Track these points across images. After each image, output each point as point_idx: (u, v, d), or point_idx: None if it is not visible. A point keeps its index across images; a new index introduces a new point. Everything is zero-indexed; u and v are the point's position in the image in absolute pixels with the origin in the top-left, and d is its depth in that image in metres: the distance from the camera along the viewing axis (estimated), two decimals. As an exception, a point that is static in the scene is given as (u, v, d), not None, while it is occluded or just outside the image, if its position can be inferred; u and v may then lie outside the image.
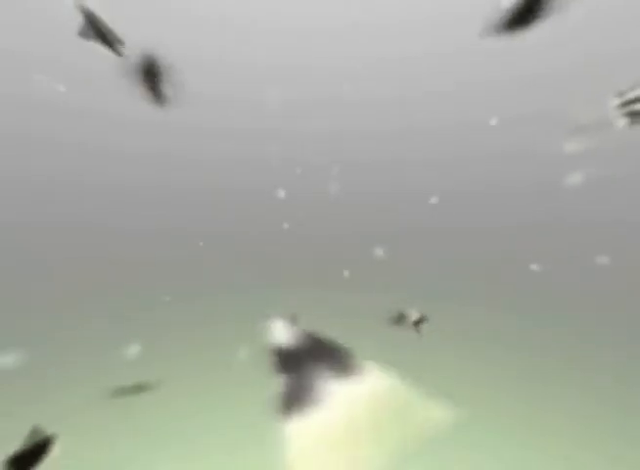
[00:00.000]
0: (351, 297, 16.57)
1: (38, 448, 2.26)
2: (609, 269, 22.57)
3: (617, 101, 2.99)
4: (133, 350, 10.24)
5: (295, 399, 1.77)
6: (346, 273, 21.58)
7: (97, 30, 2.72)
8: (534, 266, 23.04)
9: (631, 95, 2.92)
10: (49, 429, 2.38)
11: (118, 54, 2.79)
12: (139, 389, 4.93)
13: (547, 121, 30.96)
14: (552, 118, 30.65)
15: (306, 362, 1.91)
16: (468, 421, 7.14)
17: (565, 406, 7.73)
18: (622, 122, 2.97)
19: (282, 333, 2.05)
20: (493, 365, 9.60)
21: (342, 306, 14.96)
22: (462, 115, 33.22)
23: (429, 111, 33.82)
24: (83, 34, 2.73)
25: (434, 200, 32.81)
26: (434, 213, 32.45)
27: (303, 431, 1.67)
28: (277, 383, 1.84)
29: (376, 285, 18.87)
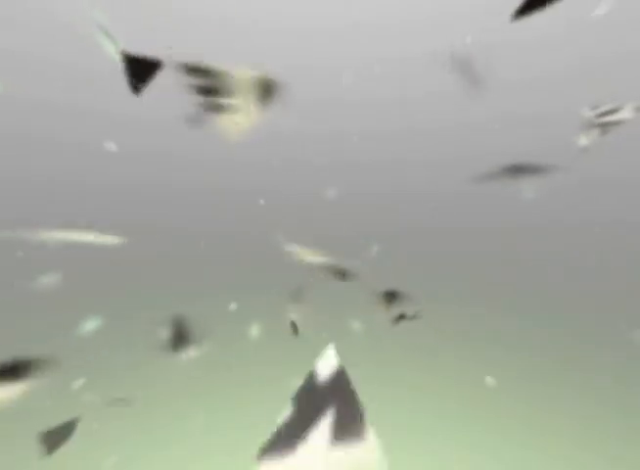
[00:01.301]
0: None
1: None
2: (608, 269, 22.57)
3: (590, 113, 3.28)
4: (134, 350, 10.26)
5: (291, 436, 1.58)
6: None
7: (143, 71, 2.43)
8: (534, 267, 23.06)
9: (602, 109, 3.21)
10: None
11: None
12: (181, 340, 4.75)
13: (547, 122, 30.99)
14: (551, 120, 30.66)
15: (324, 403, 1.69)
16: (468, 421, 7.14)
17: (565, 406, 7.74)
18: (596, 131, 3.26)
19: (329, 362, 1.81)
20: (493, 365, 9.60)
21: (342, 306, 14.97)
22: (462, 115, 33.24)
23: (429, 111, 33.84)
24: (135, 90, 2.44)
25: (433, 201, 32.86)
26: (434, 213, 32.45)
27: None
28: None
29: (375, 285, 18.88)
